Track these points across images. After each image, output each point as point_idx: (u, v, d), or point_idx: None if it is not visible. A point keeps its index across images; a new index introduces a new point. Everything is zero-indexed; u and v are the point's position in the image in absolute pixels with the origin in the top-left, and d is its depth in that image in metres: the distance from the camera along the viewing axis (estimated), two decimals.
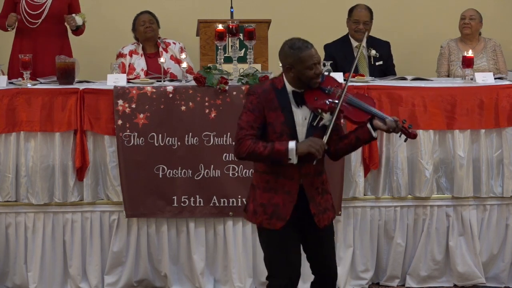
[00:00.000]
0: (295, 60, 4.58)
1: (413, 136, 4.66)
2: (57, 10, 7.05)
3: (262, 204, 4.65)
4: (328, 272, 4.77)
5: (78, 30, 7.12)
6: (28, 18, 7.03)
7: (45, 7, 7.05)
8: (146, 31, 7.06)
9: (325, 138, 4.56)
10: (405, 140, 4.73)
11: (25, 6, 7.03)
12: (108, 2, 8.19)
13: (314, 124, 4.59)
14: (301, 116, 4.62)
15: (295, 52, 4.59)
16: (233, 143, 4.71)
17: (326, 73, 4.75)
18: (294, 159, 4.53)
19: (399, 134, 4.67)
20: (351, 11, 7.25)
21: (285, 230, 4.63)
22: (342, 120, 4.95)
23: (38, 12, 7.03)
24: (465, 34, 7.30)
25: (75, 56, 6.48)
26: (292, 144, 4.53)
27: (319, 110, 4.58)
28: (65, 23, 7.05)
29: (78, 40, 7.33)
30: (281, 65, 4.66)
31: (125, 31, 7.36)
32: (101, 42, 8.00)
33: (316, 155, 4.52)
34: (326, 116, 4.60)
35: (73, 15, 7.04)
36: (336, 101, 4.58)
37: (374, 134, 4.63)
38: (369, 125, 4.62)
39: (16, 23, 6.99)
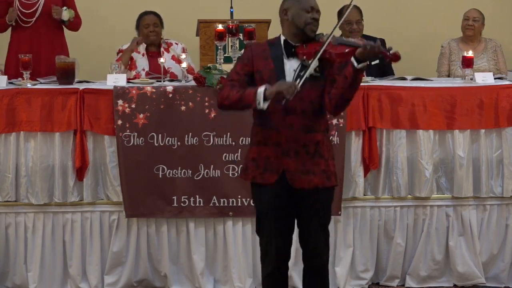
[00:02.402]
0: (292, 1, 4.54)
1: (395, 57, 4.43)
2: (51, 9, 7.04)
3: (253, 158, 4.57)
4: (309, 254, 4.62)
5: (71, 25, 7.12)
6: (22, 17, 7.04)
7: (39, 5, 7.06)
8: (150, 35, 7.04)
9: (299, 81, 4.39)
10: (388, 62, 4.59)
11: (19, 5, 7.05)
12: (108, 2, 8.19)
13: (301, 74, 4.44)
14: (290, 68, 4.52)
15: None
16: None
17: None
18: (261, 103, 4.38)
19: (380, 57, 4.48)
20: (340, 13, 7.25)
21: (277, 188, 4.52)
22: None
23: (31, 10, 7.04)
24: (467, 35, 7.30)
25: (74, 56, 6.48)
26: (262, 87, 4.41)
27: (304, 57, 4.48)
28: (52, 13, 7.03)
29: (77, 40, 7.34)
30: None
31: (125, 31, 7.36)
32: (101, 42, 8.00)
33: (283, 94, 4.33)
34: (315, 65, 4.47)
35: (63, 8, 7.03)
36: (321, 46, 4.44)
37: (355, 63, 4.36)
38: (352, 58, 4.39)
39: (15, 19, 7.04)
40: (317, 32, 4.62)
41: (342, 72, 4.44)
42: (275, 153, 4.52)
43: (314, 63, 4.45)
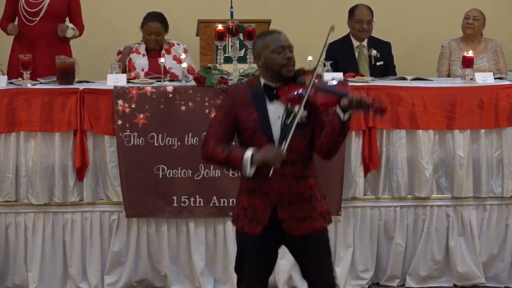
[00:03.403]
0: (261, 46, 4.34)
1: (380, 109, 4.16)
2: (55, 8, 7.07)
3: (243, 207, 4.45)
4: (318, 285, 4.43)
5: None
6: (27, 16, 7.06)
7: (43, 5, 7.07)
8: (150, 42, 7.01)
9: (284, 145, 4.20)
10: (374, 115, 4.31)
11: (24, 4, 7.06)
12: (108, 2, 8.19)
13: (288, 122, 4.25)
14: (274, 112, 4.32)
15: (260, 39, 4.38)
16: None
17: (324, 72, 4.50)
18: (248, 170, 4.24)
19: (368, 110, 4.21)
20: (352, 11, 7.25)
21: (263, 236, 4.38)
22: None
23: (36, 10, 7.05)
24: (467, 34, 7.30)
25: (75, 57, 6.48)
26: (248, 153, 4.24)
27: (288, 104, 4.25)
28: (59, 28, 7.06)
29: (78, 40, 7.33)
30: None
31: (125, 31, 7.37)
32: (101, 42, 8.00)
33: (271, 165, 4.20)
34: (298, 111, 4.21)
35: (70, 26, 7.06)
36: (304, 91, 4.21)
37: (341, 115, 4.15)
38: (337, 108, 4.18)
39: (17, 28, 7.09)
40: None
41: (328, 118, 4.27)
42: (262, 204, 4.38)
43: (300, 112, 4.21)
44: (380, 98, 4.22)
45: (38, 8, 7.07)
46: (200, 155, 4.45)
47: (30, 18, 7.08)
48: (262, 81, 4.37)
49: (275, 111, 4.32)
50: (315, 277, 4.41)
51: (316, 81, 4.25)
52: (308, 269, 4.45)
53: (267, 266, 4.51)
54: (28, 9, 7.05)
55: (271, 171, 4.22)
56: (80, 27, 7.20)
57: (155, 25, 6.99)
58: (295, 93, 4.24)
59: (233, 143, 4.46)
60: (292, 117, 4.23)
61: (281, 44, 4.31)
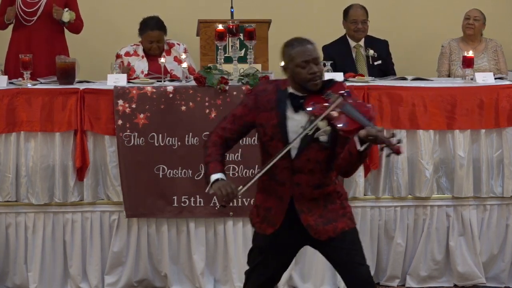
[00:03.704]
0: (287, 58, 4.29)
1: (397, 150, 4.07)
2: (52, 8, 7.03)
3: (257, 205, 4.46)
4: (354, 280, 4.35)
5: (71, 27, 7.11)
6: (24, 16, 7.04)
7: (40, 4, 7.05)
8: (152, 50, 7.00)
9: (243, 188, 4.22)
10: (387, 155, 4.15)
11: (21, 4, 7.04)
12: (108, 2, 8.19)
13: (309, 133, 4.20)
14: (297, 122, 4.26)
15: (287, 49, 4.31)
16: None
17: (340, 80, 4.25)
18: (207, 188, 4.28)
19: (381, 147, 4.12)
20: (346, 12, 7.24)
21: (275, 238, 4.37)
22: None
23: (33, 9, 7.04)
24: (467, 34, 7.30)
25: (75, 57, 6.48)
26: (214, 177, 4.27)
27: (312, 116, 4.19)
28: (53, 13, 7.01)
29: (78, 40, 7.33)
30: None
31: (126, 32, 7.36)
32: (101, 42, 7.99)
33: (218, 200, 4.25)
34: (323, 126, 4.17)
35: (64, 9, 7.01)
36: (326, 108, 4.15)
37: (358, 145, 4.10)
38: (356, 136, 4.12)
39: (14, 18, 7.02)
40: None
41: (348, 141, 4.20)
42: (276, 206, 4.36)
43: (314, 127, 4.17)
44: (400, 139, 4.11)
45: (35, 8, 7.05)
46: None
47: (27, 18, 7.06)
48: (290, 89, 4.31)
49: (298, 121, 4.26)
50: (350, 277, 4.36)
51: (342, 100, 4.18)
52: (341, 270, 4.39)
53: (277, 269, 4.47)
54: (25, 9, 7.03)
55: (219, 206, 4.29)
56: (79, 22, 7.16)
57: (155, 33, 6.99)
58: (320, 109, 4.17)
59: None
60: (306, 129, 4.18)
61: (305, 59, 4.23)
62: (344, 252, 4.35)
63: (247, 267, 6.09)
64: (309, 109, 4.20)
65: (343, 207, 4.39)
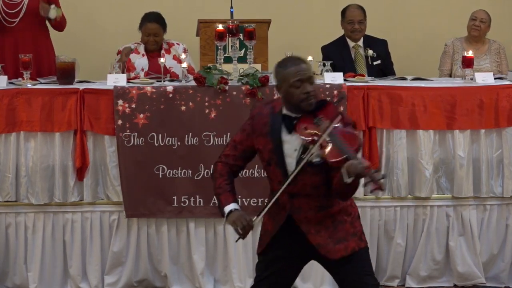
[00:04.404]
0: (280, 77, 4.20)
1: (380, 187, 4.01)
2: (35, 8, 6.95)
3: (262, 226, 4.45)
4: None
5: (55, 26, 7.04)
6: (6, 17, 6.98)
7: (22, 5, 7.00)
8: (149, 43, 6.99)
9: (257, 218, 4.23)
10: (371, 191, 4.09)
11: (2, 5, 6.97)
12: (108, 3, 8.19)
13: (304, 157, 4.14)
14: (291, 145, 4.21)
15: (280, 69, 4.21)
16: None
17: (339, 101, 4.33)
18: (224, 221, 4.32)
19: (365, 182, 4.08)
20: (343, 12, 7.23)
21: (264, 257, 4.38)
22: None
23: (15, 10, 6.98)
24: (472, 35, 7.28)
25: (75, 57, 6.47)
26: (228, 208, 4.28)
27: (304, 142, 4.16)
28: (40, 10, 6.96)
29: (78, 40, 7.33)
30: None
31: (126, 31, 7.36)
32: (101, 42, 7.99)
33: (237, 232, 4.25)
34: (315, 150, 4.12)
35: (51, 6, 6.95)
36: (319, 135, 4.11)
37: (345, 177, 4.03)
38: (343, 170, 4.04)
39: None
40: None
41: (340, 168, 4.11)
42: (272, 228, 4.33)
43: (308, 157, 4.13)
44: (384, 174, 4.13)
45: (18, 9, 6.99)
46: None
47: (9, 19, 6.98)
48: (284, 110, 4.25)
49: (293, 143, 4.21)
50: None
51: (332, 128, 4.14)
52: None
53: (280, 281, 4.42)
54: (7, 11, 6.97)
55: (237, 239, 4.30)
56: (63, 19, 7.07)
57: (152, 26, 6.99)
58: (310, 135, 4.14)
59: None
60: (307, 153, 4.14)
61: (298, 78, 4.14)
62: (353, 272, 4.28)
63: (247, 267, 6.12)
64: (302, 137, 4.16)
65: (353, 226, 4.32)
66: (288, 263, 4.39)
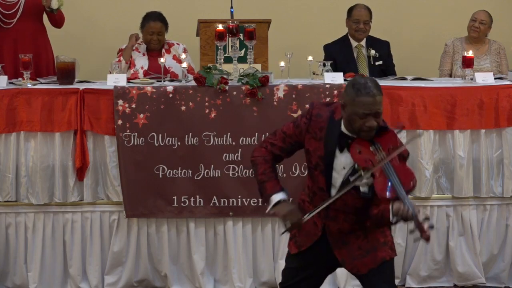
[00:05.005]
0: (349, 99, 4.05)
1: (426, 238, 3.91)
2: (32, 7, 6.96)
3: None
4: None
5: (55, 21, 7.02)
6: (3, 18, 6.97)
7: (19, 5, 6.98)
8: (152, 42, 6.98)
9: (308, 216, 4.13)
10: (415, 241, 4.06)
11: None
12: (108, 2, 8.19)
13: (351, 179, 4.08)
14: (341, 162, 4.13)
15: (352, 91, 4.05)
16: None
17: (398, 130, 4.18)
18: (268, 208, 4.18)
19: (411, 230, 3.98)
20: (350, 11, 7.24)
21: (297, 259, 4.31)
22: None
23: (12, 11, 6.97)
24: (471, 36, 7.27)
25: (75, 57, 6.47)
26: (277, 197, 4.17)
27: (356, 165, 4.06)
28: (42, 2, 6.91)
29: (78, 40, 7.32)
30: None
31: (126, 31, 7.35)
32: (101, 42, 7.99)
33: (286, 227, 4.15)
34: (366, 176, 4.03)
35: None
36: (373, 163, 4.00)
37: (391, 217, 3.98)
38: (391, 206, 4.00)
39: None
40: None
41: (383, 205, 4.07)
42: (308, 231, 4.25)
43: (366, 176, 4.04)
44: (432, 224, 3.95)
45: (14, 10, 6.98)
46: (251, 154, 4.36)
47: (7, 20, 6.96)
48: (342, 125, 4.15)
49: (343, 160, 4.14)
50: None
51: (389, 161, 4.04)
52: None
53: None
54: (4, 12, 6.96)
55: (283, 232, 4.21)
56: (62, 14, 7.04)
57: (156, 24, 6.98)
58: (363, 161, 4.05)
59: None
60: (356, 176, 4.06)
61: (365, 112, 4.02)
62: (382, 282, 4.25)
63: (247, 267, 6.12)
64: (355, 160, 4.07)
65: (384, 235, 4.27)
66: (316, 271, 4.36)
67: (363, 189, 4.11)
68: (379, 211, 4.07)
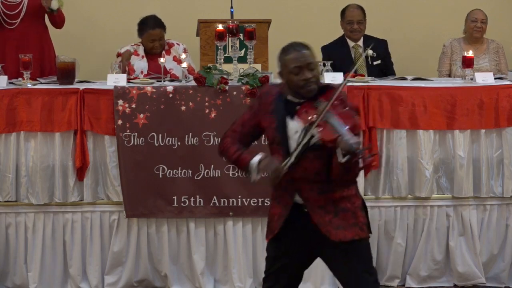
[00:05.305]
0: (282, 63, 4.21)
1: (368, 164, 4.04)
2: (35, 8, 6.95)
3: (268, 212, 4.41)
4: None
5: (55, 21, 7.02)
6: (6, 19, 6.96)
7: (22, 6, 6.98)
8: (154, 49, 6.98)
9: (287, 162, 4.12)
10: (361, 168, 4.12)
11: (2, 7, 6.96)
12: (108, 3, 8.19)
13: (302, 140, 4.13)
14: (293, 128, 4.21)
15: (282, 55, 4.21)
16: None
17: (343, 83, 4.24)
18: (253, 175, 4.22)
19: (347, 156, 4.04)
20: (343, 12, 7.24)
21: (274, 244, 4.32)
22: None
23: (15, 12, 6.97)
24: (475, 37, 7.26)
25: (75, 57, 6.48)
26: (256, 158, 4.21)
27: (307, 124, 4.13)
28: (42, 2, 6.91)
29: (78, 40, 7.33)
30: None
31: (125, 32, 7.36)
32: (101, 42, 8.00)
33: (270, 179, 4.18)
34: (313, 131, 4.10)
35: None
36: (315, 118, 4.09)
37: (339, 157, 4.02)
38: (338, 150, 4.05)
39: None
40: None
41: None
42: (279, 213, 4.28)
43: (308, 138, 4.12)
44: (374, 153, 4.05)
45: (18, 10, 6.98)
46: (218, 151, 4.46)
47: (10, 20, 6.96)
48: (287, 95, 4.26)
49: (295, 126, 4.20)
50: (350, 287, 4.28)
51: (329, 110, 4.11)
52: (343, 279, 4.31)
53: (291, 275, 4.38)
54: (7, 12, 6.96)
55: (269, 181, 4.21)
56: (63, 15, 7.04)
57: (156, 32, 6.97)
58: (309, 117, 4.13)
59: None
60: (307, 135, 4.12)
61: (297, 65, 4.14)
62: (350, 268, 4.25)
63: (247, 267, 6.13)
64: (299, 119, 4.17)
65: (355, 216, 4.27)
66: (292, 259, 4.35)
67: (316, 141, 4.13)
68: (335, 163, 4.10)
